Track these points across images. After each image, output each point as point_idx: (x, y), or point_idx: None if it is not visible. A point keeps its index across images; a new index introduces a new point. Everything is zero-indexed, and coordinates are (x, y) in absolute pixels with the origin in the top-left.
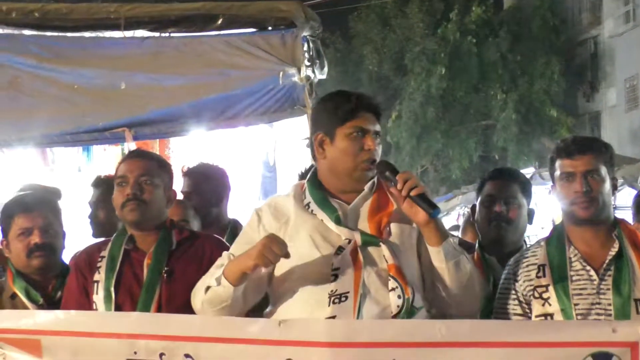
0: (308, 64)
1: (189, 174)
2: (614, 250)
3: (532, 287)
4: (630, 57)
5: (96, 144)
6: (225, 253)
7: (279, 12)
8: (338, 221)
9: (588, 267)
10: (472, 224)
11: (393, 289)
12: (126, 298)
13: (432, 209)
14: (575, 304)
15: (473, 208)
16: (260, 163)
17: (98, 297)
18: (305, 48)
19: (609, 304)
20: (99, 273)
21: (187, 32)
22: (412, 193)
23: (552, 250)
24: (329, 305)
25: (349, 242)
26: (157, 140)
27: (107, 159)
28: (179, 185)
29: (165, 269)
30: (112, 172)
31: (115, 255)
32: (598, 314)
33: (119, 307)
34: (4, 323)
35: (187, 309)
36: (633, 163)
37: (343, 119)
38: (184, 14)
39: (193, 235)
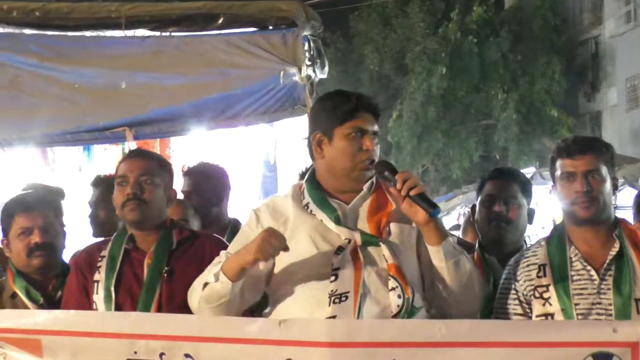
0: (309, 63)
1: (189, 173)
2: (614, 250)
3: (532, 287)
4: (631, 57)
5: (97, 144)
6: (223, 252)
7: (279, 11)
8: (338, 221)
9: (589, 267)
10: (473, 224)
11: (393, 289)
12: (126, 298)
13: (432, 209)
14: (576, 304)
15: (473, 208)
16: (260, 162)
17: (98, 297)
18: (306, 47)
19: (610, 304)
20: (99, 273)
21: (188, 32)
22: (412, 193)
23: (552, 250)
24: (329, 305)
25: (349, 242)
26: (158, 139)
27: (107, 158)
28: (179, 184)
29: (166, 268)
30: (112, 172)
31: (116, 255)
32: (599, 314)
33: (119, 307)
34: (4, 322)
35: (188, 308)
36: (634, 163)
37: (342, 119)
38: (185, 13)
39: (193, 235)
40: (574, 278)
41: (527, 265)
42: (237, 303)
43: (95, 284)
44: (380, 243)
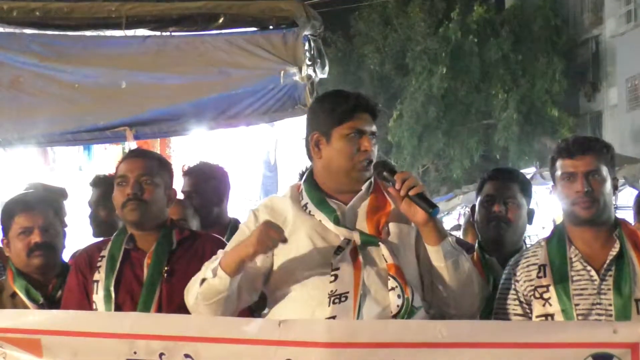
0: (309, 63)
1: (189, 173)
2: (614, 251)
3: (532, 287)
4: (631, 57)
5: (97, 143)
6: (220, 251)
7: (280, 11)
8: (337, 221)
9: (589, 268)
10: (473, 225)
11: (393, 289)
12: (126, 298)
13: (431, 208)
14: (576, 305)
15: (473, 208)
16: (261, 162)
17: (98, 297)
18: (307, 47)
19: (610, 305)
20: (99, 273)
21: (189, 31)
22: (411, 192)
23: (552, 251)
24: (329, 305)
25: (348, 242)
26: (158, 139)
27: (108, 158)
28: (179, 184)
29: (166, 268)
30: (112, 171)
31: (115, 255)
32: (599, 315)
33: (119, 307)
34: (4, 322)
35: (187, 309)
36: (634, 163)
37: (340, 119)
38: (185, 13)
39: (193, 235)
40: (574, 278)
41: (527, 266)
42: (235, 301)
43: (95, 284)
44: (380, 243)
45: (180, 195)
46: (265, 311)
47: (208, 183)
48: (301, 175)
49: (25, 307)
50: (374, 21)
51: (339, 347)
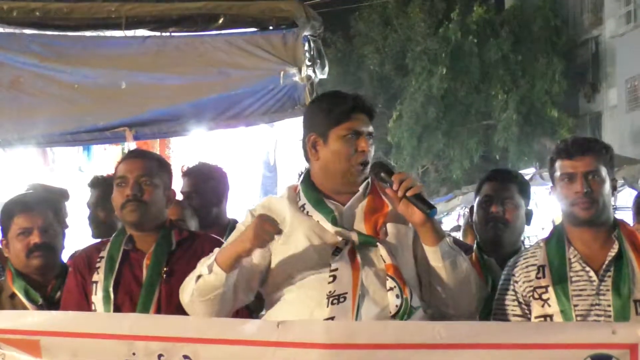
0: (309, 63)
1: (188, 174)
2: (613, 251)
3: (531, 288)
4: (631, 58)
5: (97, 144)
6: (216, 249)
7: (280, 11)
8: (334, 222)
9: (587, 268)
10: (472, 226)
11: (391, 289)
12: (125, 298)
13: (428, 209)
14: (575, 305)
15: (471, 209)
16: (260, 163)
17: (97, 298)
18: (306, 48)
19: (609, 305)
20: (98, 273)
21: (188, 32)
22: (408, 193)
23: (551, 251)
24: (327, 306)
25: (346, 242)
26: (158, 140)
27: (107, 158)
28: (178, 185)
29: (165, 269)
30: (111, 172)
31: (114, 256)
32: (597, 315)
33: (118, 308)
34: (3, 323)
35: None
36: (634, 164)
37: (337, 120)
38: (185, 14)
39: (192, 236)
40: (573, 279)
41: (526, 267)
42: (230, 299)
43: (94, 284)
44: (378, 243)
45: (179, 196)
46: (263, 312)
47: (207, 184)
48: (300, 176)
49: (24, 308)
50: (374, 22)
51: (337, 348)
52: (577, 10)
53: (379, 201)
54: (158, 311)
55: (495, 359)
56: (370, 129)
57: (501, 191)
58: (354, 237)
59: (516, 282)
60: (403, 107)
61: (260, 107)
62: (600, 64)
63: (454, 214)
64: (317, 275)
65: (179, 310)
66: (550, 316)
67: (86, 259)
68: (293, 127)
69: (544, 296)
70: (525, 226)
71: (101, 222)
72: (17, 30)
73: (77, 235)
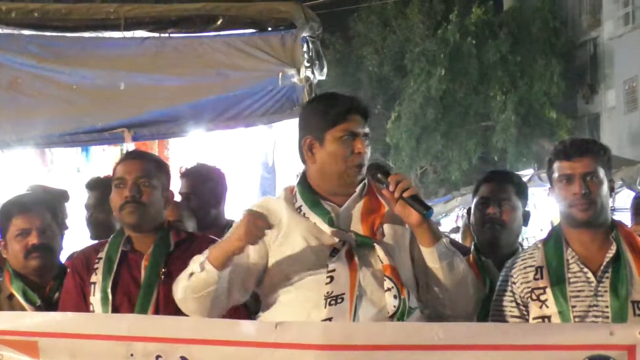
0: (307, 64)
1: (186, 174)
2: (611, 253)
3: (529, 289)
4: (629, 59)
5: (95, 145)
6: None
7: (278, 13)
8: (331, 223)
9: (585, 270)
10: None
11: (389, 289)
12: (123, 299)
13: (425, 210)
14: (573, 306)
15: (469, 211)
16: (259, 164)
17: (95, 299)
18: (305, 49)
19: (607, 307)
20: (96, 274)
21: (187, 33)
22: (405, 194)
23: (549, 253)
24: (325, 307)
25: (343, 244)
26: (156, 141)
27: (106, 159)
28: (176, 186)
29: (163, 270)
30: (109, 173)
31: (113, 257)
32: (595, 317)
33: (116, 309)
34: (1, 324)
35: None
36: (632, 165)
37: (332, 122)
38: (184, 15)
39: (191, 237)
40: (571, 280)
41: (524, 268)
42: (224, 297)
43: (93, 285)
44: (375, 244)
45: (177, 197)
46: (260, 314)
47: (205, 185)
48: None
49: (23, 309)
50: (373, 23)
51: (335, 349)
52: (575, 11)
53: (376, 202)
54: (156, 312)
55: None
56: (366, 129)
57: (498, 192)
58: (351, 238)
59: (514, 283)
60: (402, 108)
61: (259, 108)
62: (598, 65)
63: (453, 215)
64: (314, 277)
65: (177, 311)
66: (548, 317)
67: (84, 260)
68: (292, 128)
69: (542, 297)
70: (523, 227)
71: (100, 223)
72: (16, 31)
73: (75, 236)
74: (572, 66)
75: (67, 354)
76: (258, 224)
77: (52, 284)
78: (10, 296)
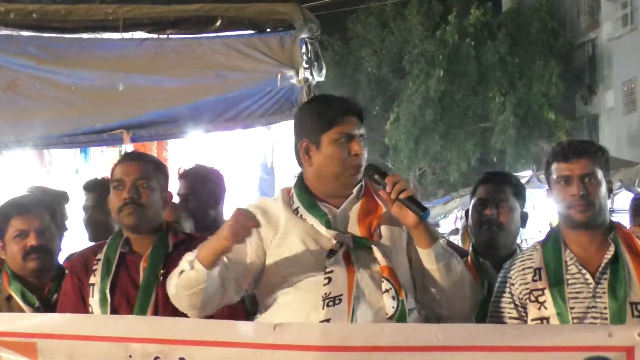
0: (306, 66)
1: (185, 176)
2: (609, 254)
3: (528, 291)
4: (628, 60)
5: (94, 146)
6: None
7: (277, 14)
8: (329, 225)
9: (584, 271)
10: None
11: (387, 291)
12: (122, 301)
13: (421, 211)
14: (571, 308)
15: (467, 212)
16: (258, 165)
17: (94, 300)
18: (304, 50)
19: (605, 308)
20: (95, 276)
21: (186, 34)
22: (401, 196)
23: (548, 254)
24: (323, 308)
25: (341, 245)
26: (155, 142)
27: (104, 160)
28: (175, 187)
29: (162, 271)
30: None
31: (111, 258)
32: (594, 318)
33: (115, 310)
34: None
35: (183, 312)
36: (631, 166)
37: (328, 125)
38: (183, 16)
39: (189, 238)
40: (570, 282)
41: (523, 269)
42: (216, 294)
43: (91, 287)
44: (372, 246)
45: (176, 198)
46: (258, 315)
47: (204, 186)
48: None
49: (21, 310)
50: (371, 24)
51: (334, 350)
52: (574, 12)
53: (373, 203)
54: (155, 313)
55: None
56: (362, 130)
57: (495, 194)
58: (348, 239)
59: (512, 284)
60: (400, 110)
61: (258, 109)
62: (597, 66)
63: (451, 217)
64: (312, 278)
65: (176, 312)
66: (547, 319)
67: (83, 262)
68: (290, 130)
69: (541, 299)
70: (522, 229)
71: (98, 224)
72: (15, 33)
73: (73, 238)
74: (570, 67)
75: (65, 355)
76: (244, 224)
77: (50, 286)
78: (9, 297)
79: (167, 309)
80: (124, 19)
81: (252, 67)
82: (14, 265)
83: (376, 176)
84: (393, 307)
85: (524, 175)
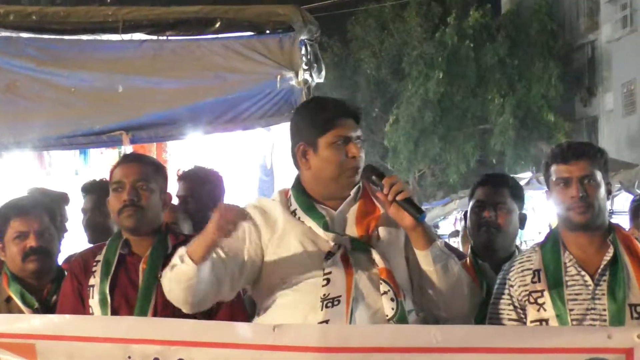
0: (306, 67)
1: (184, 177)
2: (608, 256)
3: (527, 293)
4: (627, 62)
5: (93, 147)
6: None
7: (277, 16)
8: (326, 227)
9: (583, 273)
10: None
11: (385, 293)
12: (121, 302)
13: (418, 214)
14: (570, 310)
15: (465, 214)
16: (257, 167)
17: (94, 301)
18: (303, 52)
19: (604, 310)
20: (95, 277)
21: (185, 36)
22: (398, 198)
23: (547, 256)
24: (321, 309)
25: (339, 247)
26: (154, 143)
27: (104, 162)
28: (174, 189)
29: (161, 273)
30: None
31: (110, 260)
32: (593, 320)
33: (115, 311)
34: None
35: (182, 314)
36: (630, 168)
37: (324, 128)
38: (182, 18)
39: (188, 239)
40: (569, 283)
41: (522, 271)
42: (212, 290)
43: (91, 288)
44: (370, 247)
45: (175, 200)
46: (257, 316)
47: (203, 187)
48: None
49: (20, 311)
50: (371, 26)
51: (333, 351)
52: (573, 14)
53: (371, 205)
54: (155, 315)
55: None
56: (359, 132)
57: (494, 196)
58: (346, 241)
59: (512, 286)
60: (399, 111)
61: (257, 111)
62: (596, 68)
63: (451, 218)
64: (310, 280)
65: (175, 313)
66: (546, 320)
67: (82, 264)
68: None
69: (540, 300)
70: (521, 230)
71: (97, 226)
72: (14, 34)
73: (73, 239)
74: (570, 69)
75: (64, 357)
76: (229, 218)
77: (49, 287)
78: (8, 299)
79: (166, 310)
80: (124, 20)
81: (252, 68)
82: (14, 267)
83: (374, 177)
84: (393, 309)
85: (524, 176)
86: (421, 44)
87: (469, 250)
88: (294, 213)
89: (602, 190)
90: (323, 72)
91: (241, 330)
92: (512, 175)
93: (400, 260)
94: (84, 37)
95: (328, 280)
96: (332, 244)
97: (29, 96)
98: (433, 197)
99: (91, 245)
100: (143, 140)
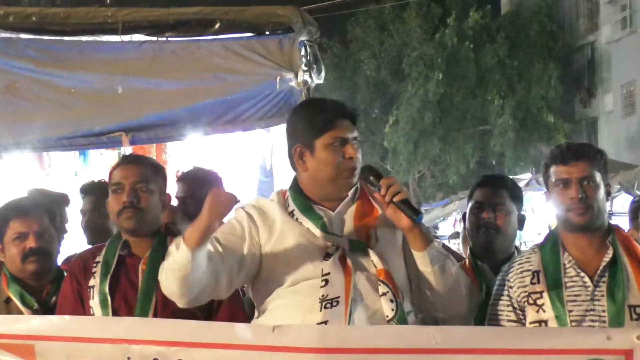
0: (305, 68)
1: (183, 179)
2: (608, 257)
3: (526, 294)
4: (627, 63)
5: (93, 148)
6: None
7: (276, 17)
8: (324, 228)
9: (582, 274)
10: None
11: (384, 294)
12: (121, 303)
13: (415, 215)
14: (570, 311)
15: (464, 216)
16: (257, 168)
17: (94, 302)
18: (303, 53)
19: (603, 311)
20: (94, 278)
21: (185, 37)
22: (395, 199)
23: (546, 257)
24: (320, 310)
25: (337, 248)
26: (154, 144)
27: (103, 163)
28: (173, 190)
29: None
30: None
31: (110, 261)
32: (592, 321)
33: (115, 312)
34: None
35: (182, 314)
36: (630, 169)
37: (320, 130)
38: (182, 19)
39: None
40: (568, 285)
41: (521, 272)
42: (208, 284)
43: (91, 289)
44: (368, 248)
45: (174, 201)
46: (256, 317)
47: (202, 189)
48: None
49: (20, 312)
50: (370, 27)
51: (332, 352)
52: (573, 15)
53: (368, 205)
54: (155, 316)
55: None
56: (355, 133)
57: (492, 197)
58: (344, 243)
59: (511, 287)
60: (399, 113)
61: (257, 112)
62: (596, 69)
63: (450, 219)
64: (309, 281)
65: (175, 315)
66: (545, 322)
67: (82, 265)
68: None
69: (539, 302)
70: (521, 231)
71: (96, 227)
72: (14, 35)
73: (72, 240)
74: (569, 70)
75: (63, 357)
76: (222, 201)
77: (49, 288)
78: (8, 300)
79: (166, 311)
80: (123, 21)
81: (251, 69)
82: (13, 268)
83: (371, 178)
84: (392, 310)
85: (523, 177)
86: (421, 45)
87: (468, 251)
88: (291, 214)
89: (602, 192)
90: (323, 73)
91: (241, 331)
92: (511, 177)
93: (399, 261)
94: (84, 38)
95: (327, 281)
96: (330, 245)
97: (28, 97)
98: (433, 198)
99: (90, 246)
100: (143, 142)
